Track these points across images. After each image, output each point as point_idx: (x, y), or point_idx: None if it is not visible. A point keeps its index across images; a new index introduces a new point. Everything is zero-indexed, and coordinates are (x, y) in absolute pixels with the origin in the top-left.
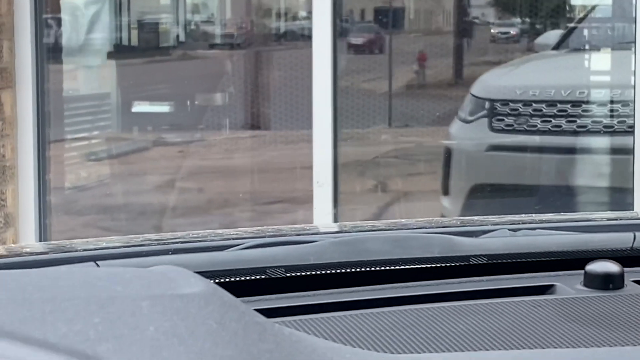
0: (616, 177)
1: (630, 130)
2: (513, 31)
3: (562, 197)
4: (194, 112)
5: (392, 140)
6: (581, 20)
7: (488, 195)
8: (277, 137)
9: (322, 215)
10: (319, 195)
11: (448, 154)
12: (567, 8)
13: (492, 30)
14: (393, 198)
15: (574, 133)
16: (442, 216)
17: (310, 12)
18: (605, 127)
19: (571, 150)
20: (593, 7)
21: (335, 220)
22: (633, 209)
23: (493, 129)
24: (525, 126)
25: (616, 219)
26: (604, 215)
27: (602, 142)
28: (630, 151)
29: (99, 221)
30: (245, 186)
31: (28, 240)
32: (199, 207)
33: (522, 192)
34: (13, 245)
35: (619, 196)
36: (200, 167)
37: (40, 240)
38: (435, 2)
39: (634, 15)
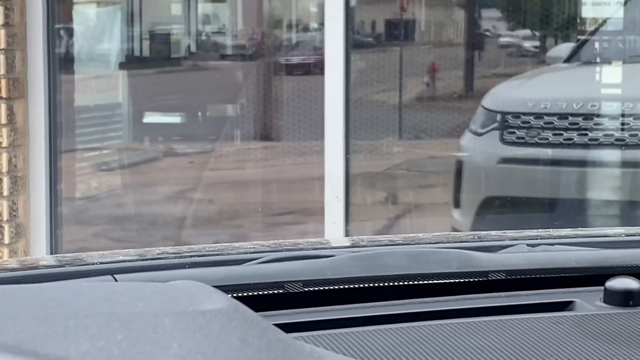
0: (627, 190)
1: None
2: (524, 43)
3: (574, 210)
4: (205, 123)
5: (403, 152)
6: (592, 33)
7: (499, 208)
8: (288, 148)
9: (334, 229)
10: (331, 209)
11: (459, 166)
12: (579, 21)
13: (502, 42)
14: (404, 210)
15: (586, 146)
16: (453, 229)
17: (322, 23)
18: (616, 140)
19: (583, 163)
20: (604, 20)
21: (347, 234)
22: None
23: (504, 142)
24: (536, 139)
25: (635, 235)
26: (622, 231)
27: (613, 155)
28: None
29: (110, 231)
30: (256, 197)
31: (39, 250)
32: (210, 218)
33: (533, 205)
34: (28, 258)
35: (630, 209)
36: (211, 178)
37: (51, 251)
38: (447, 14)
39: None
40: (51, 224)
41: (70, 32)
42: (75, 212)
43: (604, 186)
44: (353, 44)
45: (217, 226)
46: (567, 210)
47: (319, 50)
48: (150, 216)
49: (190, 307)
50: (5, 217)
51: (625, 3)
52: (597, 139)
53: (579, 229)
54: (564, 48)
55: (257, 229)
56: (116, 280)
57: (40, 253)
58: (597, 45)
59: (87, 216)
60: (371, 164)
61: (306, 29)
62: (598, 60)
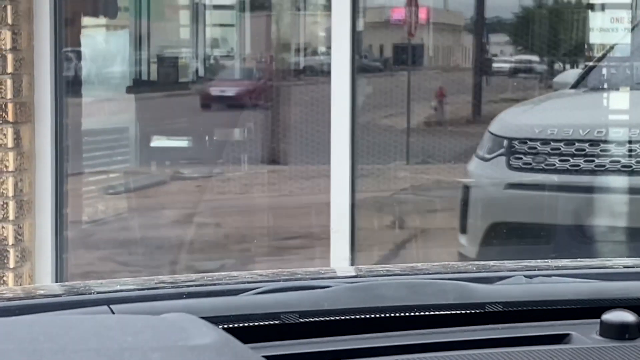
0: (635, 217)
1: None
2: (532, 69)
3: (580, 236)
4: (212, 147)
5: (410, 177)
6: (600, 59)
7: (506, 234)
8: (295, 172)
9: (340, 254)
10: (336, 234)
11: (466, 191)
12: (586, 47)
13: (510, 68)
14: (410, 235)
15: (592, 172)
16: (460, 254)
17: (329, 48)
18: (623, 166)
19: (589, 190)
20: (612, 47)
21: (353, 259)
22: None
23: (511, 167)
24: (543, 165)
25: (633, 267)
26: (620, 262)
27: (620, 181)
28: None
29: (116, 256)
30: (262, 222)
31: (44, 275)
32: (216, 242)
33: (540, 231)
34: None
35: (637, 237)
36: (218, 202)
37: (56, 275)
38: (454, 39)
39: None
40: (57, 248)
41: (77, 56)
42: (81, 236)
43: (610, 213)
44: (360, 68)
45: (224, 250)
46: (574, 237)
47: (326, 74)
48: (157, 240)
49: (180, 342)
50: (10, 241)
51: (632, 29)
52: (603, 165)
53: (577, 260)
54: (571, 74)
55: (263, 253)
56: (112, 311)
57: (45, 277)
58: (604, 71)
59: (93, 240)
60: (378, 188)
61: (314, 53)
62: (605, 86)
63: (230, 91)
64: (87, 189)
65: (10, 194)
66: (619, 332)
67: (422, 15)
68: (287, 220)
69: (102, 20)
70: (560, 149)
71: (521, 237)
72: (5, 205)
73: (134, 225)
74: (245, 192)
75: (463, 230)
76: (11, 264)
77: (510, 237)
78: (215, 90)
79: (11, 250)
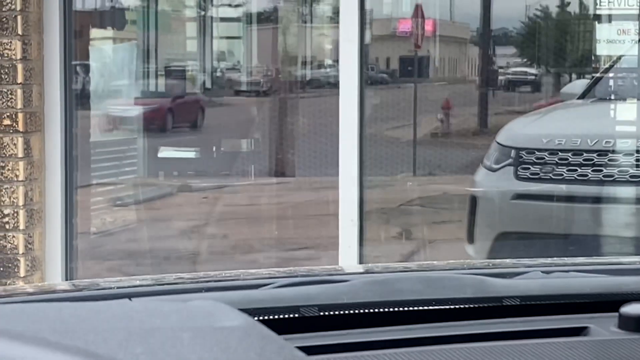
0: None
1: None
2: (538, 80)
3: (588, 246)
4: (219, 158)
5: (417, 187)
6: (607, 70)
7: (513, 244)
8: (302, 183)
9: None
10: (345, 244)
11: (473, 202)
12: (593, 58)
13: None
14: (418, 246)
15: (600, 182)
16: None
17: (336, 60)
18: (631, 176)
19: (597, 200)
20: (619, 57)
21: (361, 261)
22: None
23: (519, 178)
24: (551, 175)
25: None
26: (636, 259)
27: (628, 191)
28: None
29: (124, 266)
30: (270, 232)
31: None
32: (224, 252)
33: (547, 241)
34: (45, 283)
35: None
36: (226, 213)
37: None
38: (461, 51)
39: None
40: (66, 258)
41: (86, 68)
42: (91, 246)
43: (618, 222)
44: (367, 80)
45: (231, 261)
46: (581, 247)
47: (334, 86)
48: (165, 251)
49: (209, 324)
50: (21, 250)
51: (639, 41)
52: (611, 175)
53: (593, 257)
54: (579, 85)
55: (271, 264)
56: None
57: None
58: (611, 82)
59: (102, 250)
60: (385, 198)
61: (321, 65)
62: (612, 97)
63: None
64: (96, 199)
65: (21, 203)
66: (637, 324)
67: (429, 27)
68: (295, 230)
69: (110, 32)
70: (568, 159)
71: (529, 247)
72: (15, 215)
73: (142, 236)
74: (252, 202)
75: (470, 240)
76: (22, 273)
77: (517, 247)
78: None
79: (21, 259)
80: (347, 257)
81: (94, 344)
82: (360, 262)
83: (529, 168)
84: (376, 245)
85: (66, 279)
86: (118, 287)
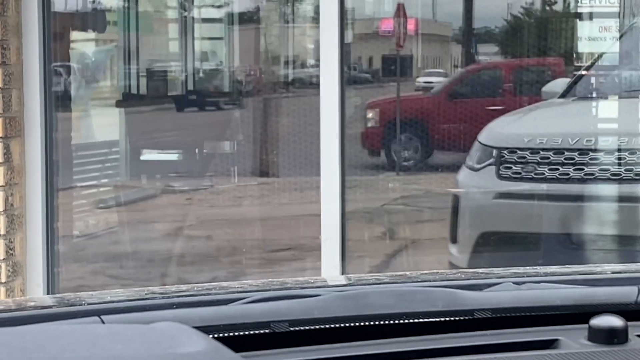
0: (624, 225)
1: (637, 178)
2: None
3: (570, 245)
4: (202, 160)
5: (399, 187)
6: (588, 68)
7: (496, 243)
8: (285, 184)
9: (331, 265)
10: (327, 247)
11: (456, 201)
12: (574, 56)
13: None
14: (401, 246)
15: (582, 181)
16: (450, 264)
17: (318, 60)
18: (612, 175)
19: (578, 198)
20: (600, 55)
21: (344, 270)
22: None
23: (501, 177)
24: (532, 174)
25: (621, 272)
26: (609, 268)
27: (609, 190)
28: (637, 199)
29: (107, 269)
30: (253, 234)
31: (36, 289)
32: (207, 254)
33: (530, 240)
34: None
35: (627, 244)
36: (208, 215)
37: (47, 289)
38: (443, 49)
39: None
40: (48, 262)
41: (67, 70)
42: (72, 250)
43: (600, 221)
44: (349, 80)
45: (215, 262)
46: (563, 245)
47: (316, 86)
48: (148, 253)
49: (170, 350)
50: (2, 255)
51: (620, 38)
52: (593, 174)
53: (565, 266)
54: (560, 83)
55: (254, 265)
56: (103, 322)
57: (37, 291)
58: (592, 80)
59: (84, 254)
60: (368, 198)
61: (303, 65)
62: (594, 95)
63: None
64: (78, 203)
65: (1, 208)
66: (607, 336)
67: (411, 26)
68: (279, 231)
69: (91, 34)
70: (549, 158)
71: (511, 246)
72: None
73: (124, 239)
74: (236, 204)
75: (453, 240)
76: (3, 278)
77: (500, 246)
78: None
79: (2, 265)
80: (330, 255)
81: None
82: (343, 260)
83: (511, 167)
84: (360, 246)
85: (48, 284)
86: (89, 304)
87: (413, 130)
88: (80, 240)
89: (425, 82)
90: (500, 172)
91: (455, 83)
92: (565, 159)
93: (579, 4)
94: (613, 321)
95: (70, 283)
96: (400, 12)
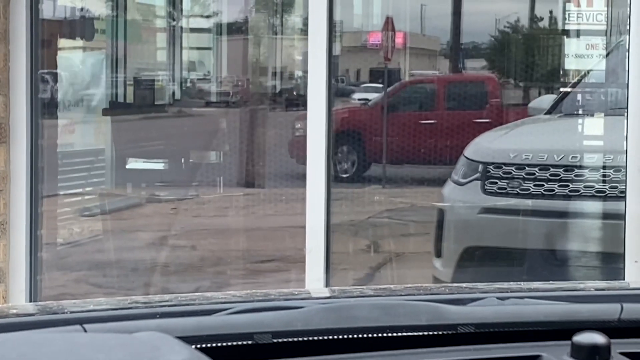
0: (607, 242)
1: (622, 196)
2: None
3: (554, 261)
4: (187, 169)
5: (385, 201)
6: (575, 85)
7: (480, 258)
8: (270, 195)
9: (315, 277)
10: (311, 260)
11: (441, 215)
12: (561, 72)
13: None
14: (385, 259)
15: (567, 197)
16: (435, 278)
17: (305, 72)
18: (597, 192)
19: (563, 215)
20: (586, 72)
21: (327, 283)
22: (624, 275)
23: (486, 192)
24: (518, 190)
25: (604, 289)
26: (592, 285)
27: (594, 207)
28: (621, 217)
29: (90, 277)
30: (238, 244)
31: (19, 295)
32: (192, 264)
33: (514, 255)
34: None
35: (610, 261)
36: (193, 225)
37: (30, 296)
38: (431, 63)
39: (626, 82)
40: (31, 270)
41: (54, 78)
42: (56, 258)
43: (584, 238)
44: (336, 92)
45: (199, 272)
46: (548, 261)
47: (303, 97)
48: (132, 262)
49: (153, 359)
50: None
51: (607, 56)
52: (577, 191)
53: (549, 282)
54: (546, 99)
55: (238, 276)
56: (85, 331)
57: (19, 298)
58: (579, 97)
59: (68, 262)
60: (353, 211)
61: (291, 77)
62: (580, 112)
63: None
64: (62, 210)
65: None
66: (589, 353)
67: (399, 39)
68: (263, 242)
69: (79, 42)
70: (534, 173)
71: (495, 261)
72: None
73: (108, 247)
74: (221, 214)
75: (438, 254)
76: None
77: (484, 261)
78: None
79: None
80: (314, 267)
81: None
82: (327, 272)
83: (497, 182)
84: (344, 258)
85: (31, 291)
86: (71, 312)
87: (347, 140)
88: (64, 248)
89: (359, 100)
90: (486, 187)
91: (389, 96)
92: (550, 175)
93: (567, 22)
94: (596, 338)
95: (53, 291)
96: (389, 25)
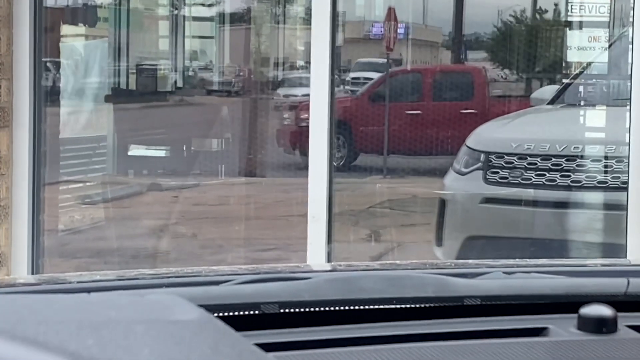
0: (609, 232)
1: (624, 187)
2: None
3: (555, 251)
4: (189, 157)
5: (386, 190)
6: (577, 76)
7: (481, 248)
8: (272, 183)
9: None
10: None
11: (442, 205)
12: (564, 64)
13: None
14: (387, 248)
15: (568, 187)
16: None
17: (308, 62)
18: (599, 182)
19: (565, 205)
20: (589, 64)
21: (329, 258)
22: None
23: (487, 182)
24: (519, 179)
25: (610, 265)
26: (598, 262)
27: (595, 197)
28: (623, 207)
29: (91, 264)
30: (239, 232)
31: None
32: (193, 252)
33: (515, 245)
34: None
35: (612, 252)
36: (195, 212)
37: None
38: (433, 54)
39: (629, 73)
40: (33, 254)
41: (56, 64)
42: (58, 244)
43: (586, 228)
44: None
45: (200, 260)
46: (549, 251)
47: (305, 87)
48: (133, 249)
49: (164, 317)
50: None
51: (609, 47)
52: (579, 181)
53: (555, 259)
54: (549, 90)
55: (239, 264)
56: None
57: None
58: (581, 88)
59: (69, 248)
60: (355, 201)
61: (292, 66)
62: (582, 103)
63: None
64: (64, 197)
65: None
66: (596, 325)
67: (401, 30)
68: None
69: (82, 29)
70: (536, 163)
71: (496, 250)
72: None
73: (110, 234)
74: (222, 202)
75: (439, 243)
76: None
77: (485, 250)
78: None
79: None
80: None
81: (44, 334)
82: (329, 260)
83: (498, 172)
84: (345, 247)
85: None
86: (78, 282)
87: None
88: (65, 234)
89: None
90: (487, 177)
91: (376, 87)
92: (552, 165)
93: (569, 14)
94: (603, 310)
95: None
96: (391, 16)
